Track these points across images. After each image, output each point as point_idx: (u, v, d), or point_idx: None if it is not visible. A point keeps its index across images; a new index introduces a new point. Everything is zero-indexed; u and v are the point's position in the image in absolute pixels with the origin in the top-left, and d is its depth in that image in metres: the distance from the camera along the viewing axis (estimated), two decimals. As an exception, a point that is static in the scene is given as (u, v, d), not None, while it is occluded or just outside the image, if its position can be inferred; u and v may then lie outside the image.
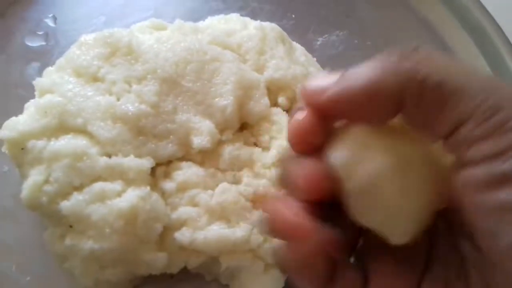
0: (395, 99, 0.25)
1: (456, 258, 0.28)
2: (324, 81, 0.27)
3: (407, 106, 0.25)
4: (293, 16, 0.64)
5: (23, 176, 0.46)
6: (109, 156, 0.45)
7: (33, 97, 0.50)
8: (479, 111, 0.23)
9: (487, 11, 0.62)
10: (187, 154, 0.48)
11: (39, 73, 0.56)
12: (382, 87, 0.25)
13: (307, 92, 0.28)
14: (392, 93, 0.25)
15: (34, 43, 0.59)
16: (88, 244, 0.43)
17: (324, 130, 0.28)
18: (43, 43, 0.59)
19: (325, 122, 0.28)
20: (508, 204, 0.22)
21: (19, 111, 0.50)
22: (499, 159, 0.23)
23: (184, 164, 0.47)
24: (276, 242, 0.31)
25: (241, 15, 0.59)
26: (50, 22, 0.60)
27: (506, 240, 0.23)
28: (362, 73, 0.26)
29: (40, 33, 0.60)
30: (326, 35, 0.62)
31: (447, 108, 0.24)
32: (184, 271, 0.47)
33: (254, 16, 0.61)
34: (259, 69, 0.52)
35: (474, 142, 0.24)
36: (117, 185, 0.44)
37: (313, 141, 0.29)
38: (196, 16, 0.61)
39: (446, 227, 0.29)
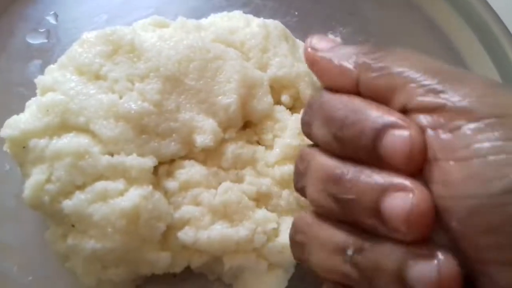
0: (353, 82, 0.31)
1: None
2: (325, 43, 0.35)
3: (363, 91, 0.31)
4: (296, 13, 0.63)
5: (25, 175, 0.46)
6: (112, 155, 0.45)
7: (34, 95, 0.50)
8: (419, 92, 0.28)
9: (492, 9, 0.61)
10: (190, 153, 0.48)
11: (41, 71, 0.56)
12: (345, 71, 0.32)
13: (310, 45, 0.36)
14: (351, 77, 0.31)
15: (35, 40, 0.59)
16: (90, 244, 0.43)
17: None
18: (45, 40, 0.59)
19: None
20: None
21: (20, 109, 0.50)
22: (438, 131, 0.27)
23: (187, 162, 0.47)
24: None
25: (244, 12, 0.58)
26: (51, 20, 0.60)
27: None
28: (341, 55, 0.33)
29: (41, 30, 0.59)
30: (330, 33, 0.62)
31: (396, 91, 0.29)
32: (187, 270, 0.46)
33: (257, 13, 0.61)
34: (263, 67, 0.52)
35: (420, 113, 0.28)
36: (119, 184, 0.44)
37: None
38: (198, 13, 0.60)
39: None
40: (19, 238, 0.50)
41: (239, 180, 0.47)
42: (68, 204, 0.43)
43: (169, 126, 0.47)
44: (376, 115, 0.28)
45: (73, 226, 0.44)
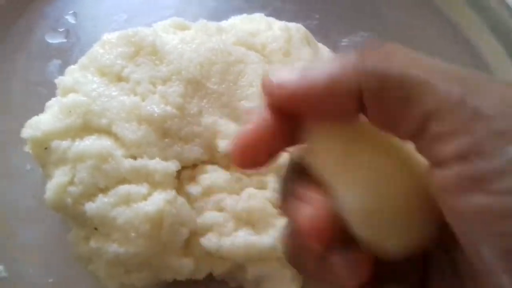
0: (355, 97, 0.24)
1: (452, 271, 0.26)
2: (284, 75, 0.25)
3: (368, 104, 0.24)
4: (317, 16, 0.63)
5: (47, 176, 0.46)
6: (134, 158, 0.45)
7: (54, 95, 0.49)
8: (444, 105, 0.22)
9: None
10: (213, 158, 0.47)
11: (60, 70, 0.56)
12: (342, 84, 0.24)
13: (267, 87, 0.26)
14: (351, 90, 0.24)
15: (54, 40, 0.58)
16: (113, 247, 0.43)
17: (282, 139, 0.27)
18: (64, 40, 0.58)
19: (285, 127, 0.26)
20: (480, 211, 0.21)
21: (39, 109, 0.49)
22: (467, 159, 0.21)
23: (209, 167, 0.47)
24: None
25: (264, 14, 0.58)
26: (70, 19, 0.60)
27: (487, 252, 0.21)
28: (323, 69, 0.24)
29: (60, 30, 0.59)
30: (351, 36, 0.61)
31: (410, 105, 0.23)
32: (209, 277, 0.46)
33: (277, 15, 0.60)
34: (285, 71, 0.51)
35: (441, 139, 0.22)
36: (142, 188, 0.44)
37: (268, 150, 0.27)
38: (218, 15, 0.60)
39: (439, 237, 0.27)
40: (40, 239, 0.50)
41: (262, 186, 0.47)
42: (91, 206, 0.43)
43: (191, 130, 0.46)
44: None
45: (96, 229, 0.44)
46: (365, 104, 0.24)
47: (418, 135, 0.23)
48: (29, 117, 0.48)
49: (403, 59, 0.23)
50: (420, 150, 0.24)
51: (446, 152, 0.22)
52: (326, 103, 0.25)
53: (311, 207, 0.25)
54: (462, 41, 0.61)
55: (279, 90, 0.25)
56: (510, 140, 0.21)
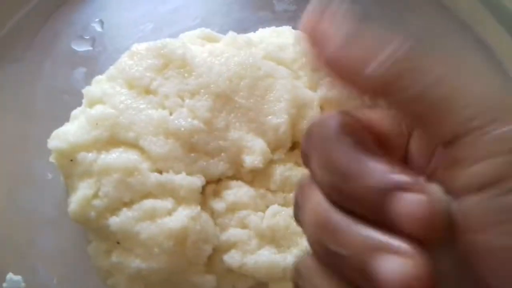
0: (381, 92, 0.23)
1: None
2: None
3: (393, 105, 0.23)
4: (344, 30, 0.62)
5: (71, 188, 0.45)
6: (160, 172, 0.44)
7: (79, 103, 0.49)
8: (468, 127, 0.20)
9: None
10: (238, 173, 0.47)
11: (86, 79, 0.56)
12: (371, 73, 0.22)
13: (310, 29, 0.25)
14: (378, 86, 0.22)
15: (80, 47, 0.58)
16: (136, 263, 0.42)
17: None
18: (90, 48, 0.58)
19: None
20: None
21: (64, 116, 0.49)
22: (494, 188, 0.20)
23: (234, 183, 0.46)
24: None
25: (291, 26, 0.57)
26: (97, 27, 0.59)
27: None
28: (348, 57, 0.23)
29: (86, 37, 0.59)
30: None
31: (430, 124, 0.22)
32: (231, 294, 0.45)
33: (304, 29, 0.59)
34: (313, 87, 0.51)
35: (466, 164, 0.21)
36: (168, 203, 0.43)
37: None
38: (244, 26, 0.59)
39: None
40: (60, 249, 0.49)
41: (287, 203, 0.46)
42: (115, 221, 0.43)
43: (218, 144, 0.46)
44: (385, 171, 0.22)
45: (118, 243, 0.43)
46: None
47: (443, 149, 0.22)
48: (52, 125, 0.48)
49: (436, 63, 0.21)
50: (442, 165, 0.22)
51: (470, 178, 0.20)
52: (351, 78, 0.23)
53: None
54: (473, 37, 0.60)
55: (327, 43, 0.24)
56: None
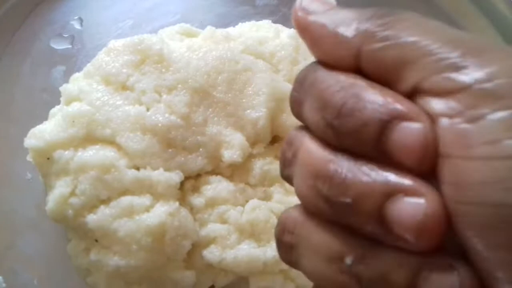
0: (353, 54, 0.25)
1: None
2: (319, 5, 0.28)
3: (366, 63, 0.25)
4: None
5: (48, 187, 0.45)
6: (138, 169, 0.44)
7: (58, 102, 0.49)
8: (441, 64, 0.22)
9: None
10: (217, 168, 0.46)
11: (64, 77, 0.55)
12: (343, 40, 0.25)
13: (300, 7, 0.28)
14: (350, 48, 0.25)
15: (59, 46, 0.58)
16: (114, 260, 0.42)
17: None
18: (69, 46, 0.58)
19: None
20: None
21: (43, 115, 0.49)
22: (464, 115, 0.21)
23: (213, 178, 0.46)
24: None
25: (272, 20, 0.56)
26: (76, 25, 0.59)
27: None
28: (338, 21, 0.26)
29: (65, 35, 0.58)
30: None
31: (407, 67, 0.23)
32: (211, 290, 0.45)
33: (285, 22, 0.59)
34: (292, 80, 0.50)
35: (433, 100, 0.22)
36: (145, 200, 0.43)
37: None
38: (225, 21, 0.59)
39: None
40: (40, 249, 0.49)
41: (267, 197, 0.46)
42: (92, 218, 0.42)
43: (196, 140, 0.45)
44: (382, 102, 0.23)
45: (96, 241, 0.43)
46: (362, 63, 0.25)
47: (412, 95, 0.23)
48: (32, 124, 0.47)
49: (406, 24, 0.24)
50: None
51: (436, 110, 0.22)
52: (328, 50, 0.26)
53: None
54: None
55: (305, 16, 0.27)
56: (498, 107, 0.20)
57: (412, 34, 0.23)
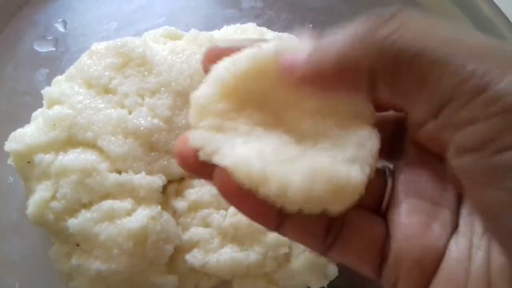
0: (365, 74, 0.22)
1: None
2: (293, 58, 0.24)
3: (381, 83, 0.22)
4: (311, 26, 0.62)
5: (30, 191, 0.44)
6: (119, 172, 0.44)
7: (41, 105, 0.48)
8: (464, 88, 0.20)
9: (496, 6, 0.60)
10: (200, 171, 0.46)
11: (48, 80, 0.55)
12: (350, 62, 0.22)
13: (281, 67, 0.24)
14: (360, 67, 0.22)
15: (43, 48, 0.57)
16: (95, 264, 0.42)
17: None
18: (52, 48, 0.57)
19: None
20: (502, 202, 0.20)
21: (26, 119, 0.49)
22: (488, 148, 0.20)
23: (196, 182, 0.46)
24: None
25: (257, 24, 0.56)
26: (60, 27, 0.58)
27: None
28: (332, 45, 0.22)
29: (49, 38, 0.58)
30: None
31: (427, 86, 0.21)
32: (194, 294, 0.45)
33: (270, 25, 0.59)
34: (276, 83, 0.50)
35: (460, 126, 0.20)
36: (127, 204, 0.43)
37: None
38: (211, 24, 0.59)
39: None
40: (22, 254, 0.48)
41: (250, 201, 0.46)
42: (73, 222, 0.42)
43: (179, 143, 0.45)
44: None
45: (77, 245, 0.43)
46: (376, 81, 0.22)
47: (433, 119, 0.21)
48: (14, 128, 0.47)
49: (418, 30, 0.21)
50: (434, 134, 0.22)
51: (463, 139, 0.20)
52: (338, 82, 0.23)
53: None
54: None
55: (290, 73, 0.24)
56: None
57: (425, 42, 0.21)
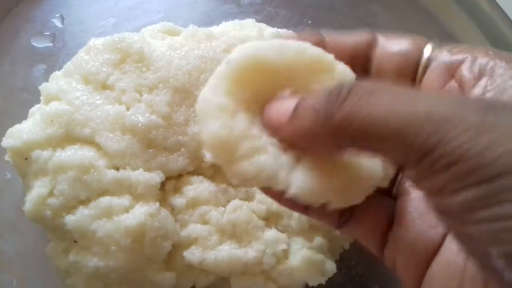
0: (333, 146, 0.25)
1: None
2: (281, 109, 0.27)
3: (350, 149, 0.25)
4: (310, 22, 0.61)
5: (27, 187, 0.44)
6: (117, 169, 0.43)
7: (38, 101, 0.48)
8: (412, 153, 0.22)
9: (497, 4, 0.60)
10: (198, 168, 0.46)
11: (45, 76, 0.54)
12: (319, 139, 0.25)
13: (269, 119, 0.28)
14: (329, 145, 0.25)
15: (40, 44, 0.57)
16: (93, 261, 0.42)
17: None
18: (50, 44, 0.57)
19: None
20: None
21: (23, 115, 0.48)
22: (446, 193, 0.22)
23: (195, 178, 0.45)
24: None
25: (256, 20, 0.56)
26: (57, 23, 0.58)
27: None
28: (306, 116, 0.25)
29: (46, 33, 0.57)
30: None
31: (385, 156, 0.24)
32: (192, 290, 0.45)
33: (269, 21, 0.59)
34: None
35: (417, 183, 0.24)
36: (124, 200, 0.42)
37: None
38: (209, 19, 0.59)
39: None
40: (19, 250, 0.48)
41: (248, 198, 0.46)
42: (71, 219, 0.42)
43: (177, 139, 0.45)
44: None
45: (75, 242, 0.43)
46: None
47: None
48: (11, 124, 0.46)
49: (371, 107, 0.22)
50: (418, 179, 0.24)
51: (453, 201, 0.22)
52: (313, 145, 0.26)
53: None
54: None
55: (279, 126, 0.27)
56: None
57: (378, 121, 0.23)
